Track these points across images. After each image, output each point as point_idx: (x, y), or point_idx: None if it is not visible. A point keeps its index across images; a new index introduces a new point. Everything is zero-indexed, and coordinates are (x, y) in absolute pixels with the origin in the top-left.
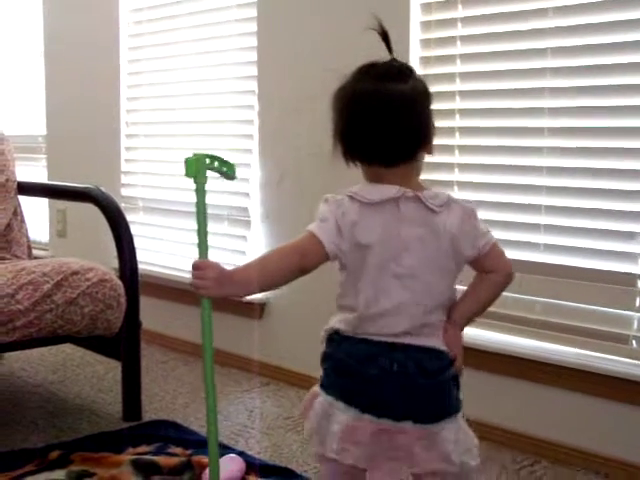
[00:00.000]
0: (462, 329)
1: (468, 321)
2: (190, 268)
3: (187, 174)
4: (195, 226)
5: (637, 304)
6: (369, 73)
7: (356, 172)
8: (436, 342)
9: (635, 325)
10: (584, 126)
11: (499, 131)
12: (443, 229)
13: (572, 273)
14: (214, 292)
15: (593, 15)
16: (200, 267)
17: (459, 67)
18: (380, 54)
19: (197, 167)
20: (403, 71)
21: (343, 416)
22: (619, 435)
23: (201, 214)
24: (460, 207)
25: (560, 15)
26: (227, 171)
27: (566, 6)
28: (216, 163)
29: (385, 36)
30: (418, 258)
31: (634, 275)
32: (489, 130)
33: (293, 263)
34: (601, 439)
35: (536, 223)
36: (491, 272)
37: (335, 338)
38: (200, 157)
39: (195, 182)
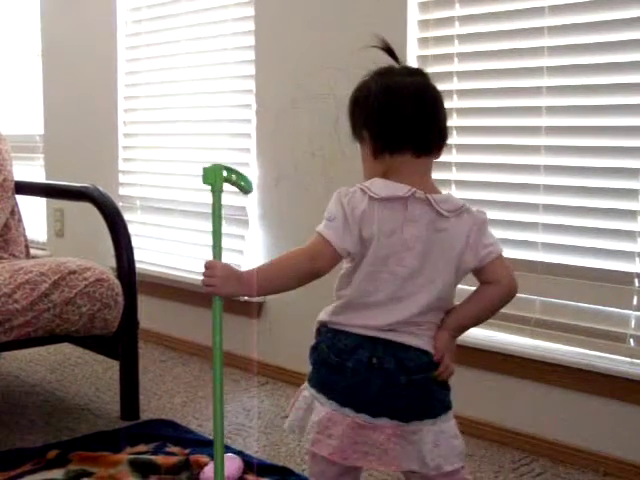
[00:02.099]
0: (455, 336)
1: (462, 329)
2: (200, 268)
3: (205, 181)
4: (211, 228)
5: (635, 303)
6: (392, 71)
7: (354, 171)
8: (421, 342)
9: (633, 324)
10: (582, 125)
11: (497, 130)
12: (449, 235)
13: (570, 272)
14: (221, 291)
15: (590, 14)
16: (210, 266)
17: (456, 66)
18: (378, 53)
19: (214, 176)
20: (423, 72)
21: (322, 408)
22: (617, 433)
23: (217, 219)
24: (471, 217)
25: (557, 14)
26: (244, 186)
27: (563, 5)
28: (233, 176)
29: (389, 50)
30: (418, 259)
31: (632, 274)
32: (486, 129)
33: (303, 268)
34: (599, 437)
35: (534, 222)
36: (492, 283)
37: (322, 330)
38: (217, 167)
39: (212, 190)
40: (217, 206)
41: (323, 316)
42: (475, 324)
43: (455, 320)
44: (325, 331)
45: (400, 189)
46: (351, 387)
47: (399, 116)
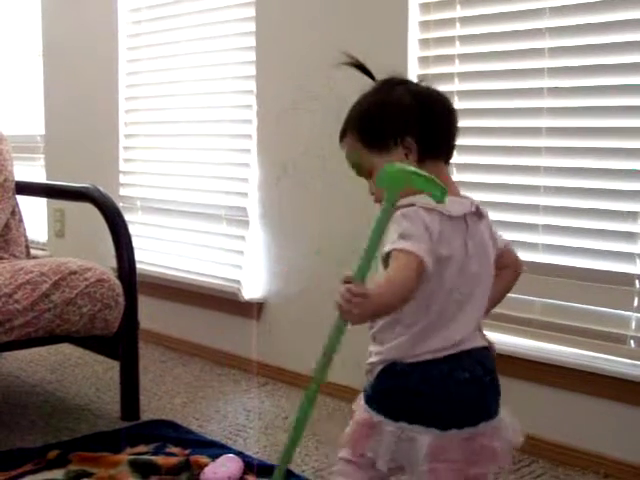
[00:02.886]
0: None
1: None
2: (197, 268)
3: (380, 184)
4: (367, 242)
5: (635, 304)
6: (408, 80)
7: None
8: (484, 340)
9: (633, 325)
10: (582, 126)
11: (497, 131)
12: (485, 236)
13: (570, 273)
14: (359, 320)
15: (591, 15)
16: (355, 293)
17: (457, 67)
18: (378, 54)
19: (395, 179)
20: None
21: (425, 437)
22: (618, 435)
23: (378, 229)
24: (484, 212)
25: (558, 15)
26: (440, 196)
27: (564, 6)
28: (422, 184)
29: (361, 66)
30: (477, 267)
31: (632, 275)
32: (487, 130)
33: (413, 287)
34: (599, 439)
35: (534, 223)
36: (505, 268)
37: (396, 369)
38: (404, 172)
39: (387, 194)
40: (386, 214)
41: (392, 354)
42: (492, 309)
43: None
44: (405, 369)
45: (464, 204)
46: (456, 409)
47: (444, 120)
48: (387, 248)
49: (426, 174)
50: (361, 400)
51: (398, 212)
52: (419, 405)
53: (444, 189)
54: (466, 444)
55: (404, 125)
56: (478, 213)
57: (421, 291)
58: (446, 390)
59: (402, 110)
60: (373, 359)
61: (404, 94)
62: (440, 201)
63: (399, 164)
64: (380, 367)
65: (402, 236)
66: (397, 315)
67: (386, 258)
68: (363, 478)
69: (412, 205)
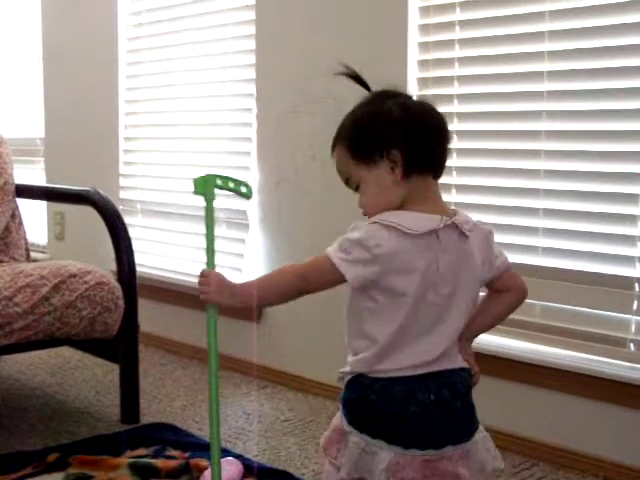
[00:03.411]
0: (471, 342)
1: (477, 335)
2: (197, 274)
3: (195, 192)
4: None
5: (635, 307)
6: (399, 93)
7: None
8: (459, 360)
9: (633, 328)
10: (582, 129)
11: (497, 134)
12: (470, 255)
13: (570, 276)
14: (215, 299)
15: (591, 19)
16: (205, 275)
17: (457, 70)
18: (378, 57)
19: (205, 186)
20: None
21: (386, 454)
22: (617, 438)
23: (210, 228)
24: (479, 231)
25: (557, 18)
26: (244, 192)
27: (563, 9)
28: (230, 184)
29: (356, 77)
30: (452, 285)
31: (632, 278)
32: (487, 133)
33: (294, 286)
34: (599, 442)
35: (534, 226)
36: (506, 292)
37: (362, 381)
38: (209, 177)
39: (205, 200)
40: (210, 215)
41: (359, 366)
42: (488, 330)
43: (475, 330)
44: (368, 383)
45: (433, 220)
46: (415, 430)
47: (433, 135)
48: (327, 250)
49: (229, 176)
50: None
51: (360, 223)
52: (380, 421)
53: (249, 185)
54: (428, 465)
55: (390, 138)
56: (459, 230)
57: (385, 307)
58: (406, 410)
59: (389, 123)
60: (345, 368)
61: (394, 107)
62: (247, 197)
63: (208, 173)
64: (349, 377)
65: (342, 247)
66: (363, 328)
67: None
68: None
69: (375, 222)
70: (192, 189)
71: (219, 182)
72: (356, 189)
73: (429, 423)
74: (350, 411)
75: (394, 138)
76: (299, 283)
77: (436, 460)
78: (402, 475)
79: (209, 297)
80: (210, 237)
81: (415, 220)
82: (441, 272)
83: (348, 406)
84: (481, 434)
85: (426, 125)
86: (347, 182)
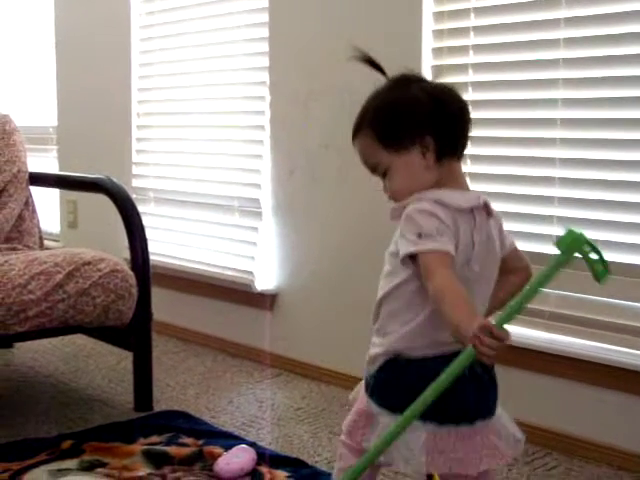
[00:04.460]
0: None
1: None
2: (210, 259)
3: (559, 244)
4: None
5: None
6: (422, 78)
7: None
8: None
9: None
10: (597, 117)
11: (512, 122)
12: (492, 236)
13: (585, 265)
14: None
15: (607, 26)
16: (502, 338)
17: (471, 76)
18: (392, 45)
19: (570, 244)
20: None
21: (422, 431)
22: (632, 427)
23: (542, 284)
24: (496, 213)
25: (572, 26)
26: (600, 272)
27: (578, 17)
28: (593, 255)
29: (371, 61)
30: (480, 263)
31: None
32: (502, 121)
33: (445, 300)
34: (614, 431)
35: (549, 215)
36: (513, 272)
37: (397, 362)
38: (580, 237)
39: (560, 255)
40: (553, 271)
41: (395, 345)
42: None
43: (489, 310)
44: (404, 363)
45: (474, 198)
46: (450, 405)
47: (459, 119)
48: (409, 249)
49: (596, 246)
50: (362, 389)
51: (410, 208)
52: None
53: (606, 268)
54: (463, 440)
55: (422, 124)
56: (487, 209)
57: (413, 282)
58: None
59: (419, 108)
60: (377, 350)
61: (420, 92)
62: (599, 278)
63: (578, 231)
64: (383, 359)
65: (422, 235)
66: (400, 308)
67: (404, 258)
68: None
69: (420, 200)
70: (560, 238)
71: (585, 248)
72: (382, 176)
73: (464, 399)
74: (383, 392)
75: (425, 123)
76: (440, 295)
77: (471, 435)
78: (442, 449)
79: (491, 362)
80: (530, 294)
81: (458, 196)
82: (475, 251)
83: (381, 387)
84: (499, 409)
85: (452, 108)
86: (372, 169)
